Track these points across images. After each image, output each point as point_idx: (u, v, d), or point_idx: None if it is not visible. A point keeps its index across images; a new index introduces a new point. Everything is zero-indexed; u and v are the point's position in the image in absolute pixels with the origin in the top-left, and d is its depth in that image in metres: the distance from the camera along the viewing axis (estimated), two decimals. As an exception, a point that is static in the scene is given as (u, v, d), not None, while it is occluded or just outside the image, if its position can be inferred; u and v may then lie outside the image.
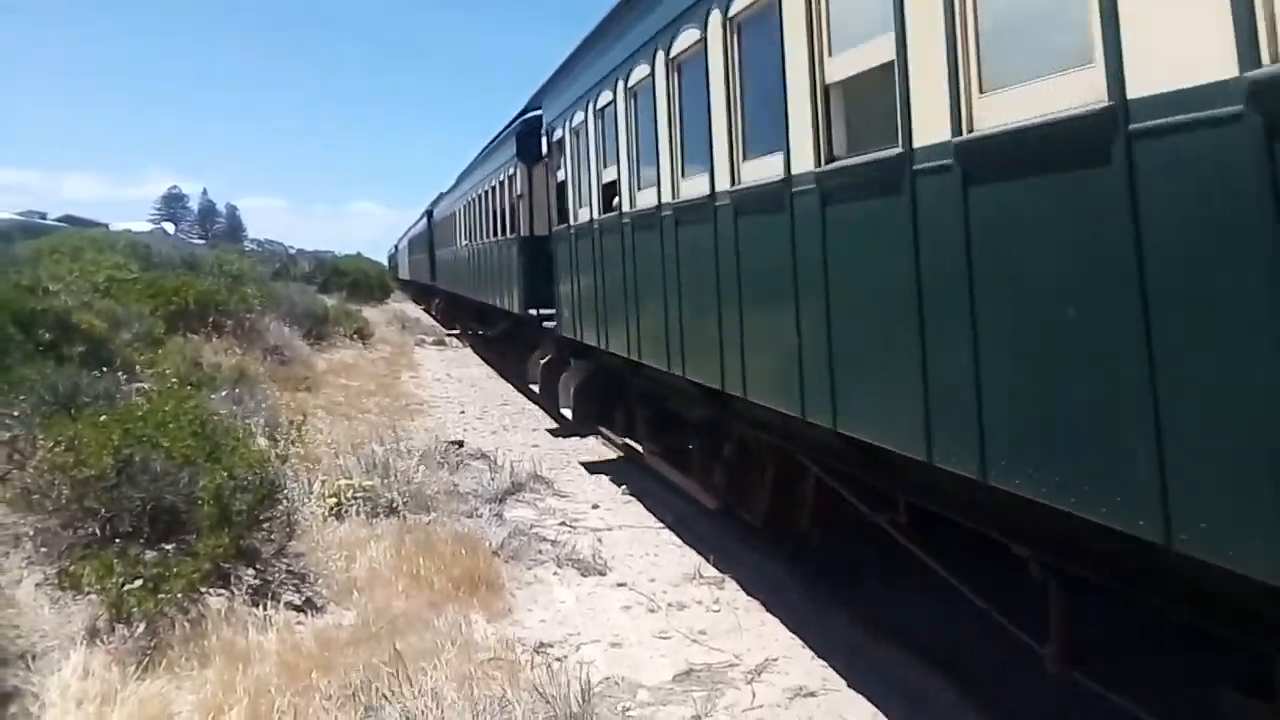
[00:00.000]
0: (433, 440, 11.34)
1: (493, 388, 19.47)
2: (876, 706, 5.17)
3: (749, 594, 6.93)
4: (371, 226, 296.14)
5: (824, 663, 5.74)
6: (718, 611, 6.65)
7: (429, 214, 35.09)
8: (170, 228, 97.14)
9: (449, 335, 30.65)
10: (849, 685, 5.44)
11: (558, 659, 5.72)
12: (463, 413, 15.96)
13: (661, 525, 8.88)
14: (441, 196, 31.66)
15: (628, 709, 5.10)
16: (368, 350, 22.93)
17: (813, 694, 5.34)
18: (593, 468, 11.55)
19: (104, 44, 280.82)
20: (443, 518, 8.14)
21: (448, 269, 28.50)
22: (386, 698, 4.65)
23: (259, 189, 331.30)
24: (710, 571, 7.39)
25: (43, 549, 5.88)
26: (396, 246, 68.54)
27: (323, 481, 8.39)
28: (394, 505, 8.14)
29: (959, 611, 5.19)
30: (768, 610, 6.63)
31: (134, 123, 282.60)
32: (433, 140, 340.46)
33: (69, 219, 76.51)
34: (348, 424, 12.56)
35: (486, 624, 6.09)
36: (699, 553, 7.92)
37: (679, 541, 8.36)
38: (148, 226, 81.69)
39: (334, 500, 7.94)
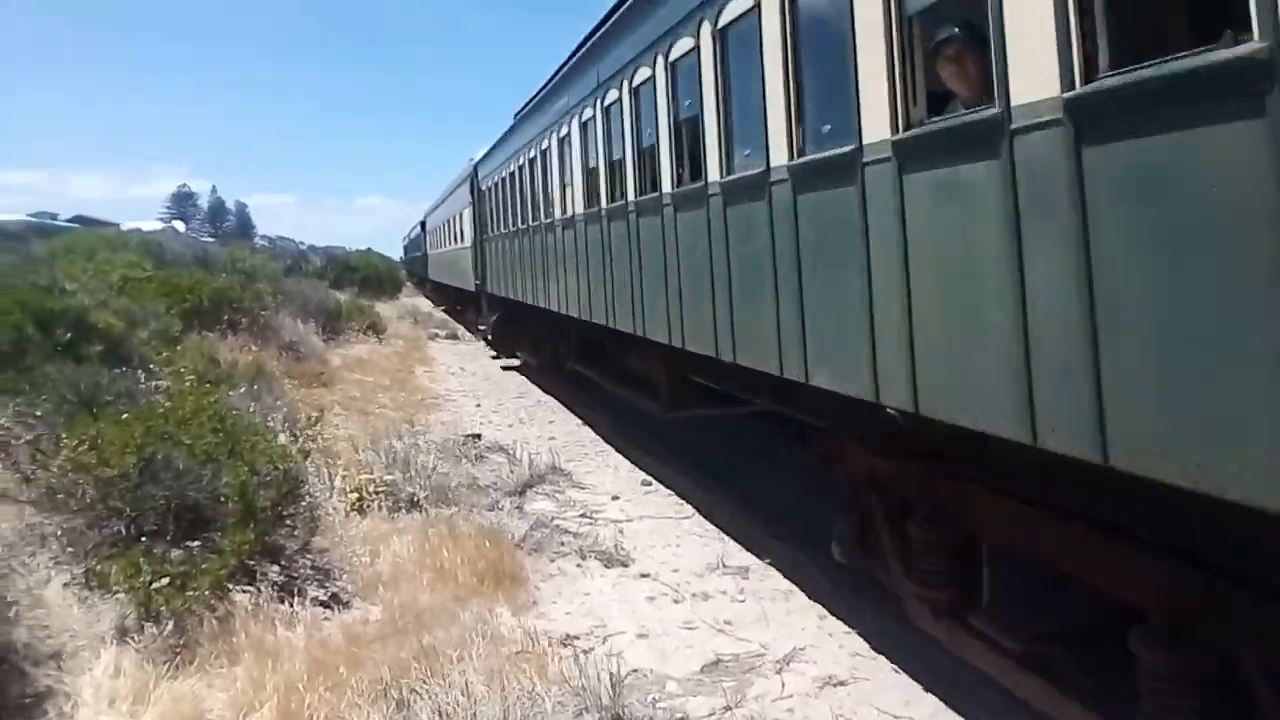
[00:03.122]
0: (451, 434, 11.35)
1: (507, 381, 19.46)
2: (909, 694, 5.14)
3: (774, 583, 6.91)
4: (379, 220, 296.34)
5: (853, 651, 5.71)
6: (743, 601, 6.62)
7: None
8: (181, 226, 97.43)
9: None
10: (879, 673, 5.41)
11: (585, 651, 5.71)
12: (478, 406, 15.95)
13: (681, 516, 8.85)
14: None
15: (658, 700, 5.08)
16: (381, 345, 22.94)
17: (843, 683, 5.31)
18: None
19: (107, 43, 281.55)
20: (464, 511, 8.14)
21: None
22: (417, 693, 4.64)
23: (267, 185, 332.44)
24: (733, 561, 7.37)
25: (69, 549, 5.89)
26: (424, 225, 46.00)
27: (343, 476, 8.39)
28: (415, 499, 8.15)
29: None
30: (793, 599, 6.61)
31: (140, 122, 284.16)
32: (438, 133, 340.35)
33: (80, 219, 76.95)
34: (365, 419, 12.57)
35: (512, 617, 6.07)
36: (722, 542, 7.90)
37: (700, 531, 8.33)
38: (158, 225, 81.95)
39: (356, 495, 7.95)
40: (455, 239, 28.74)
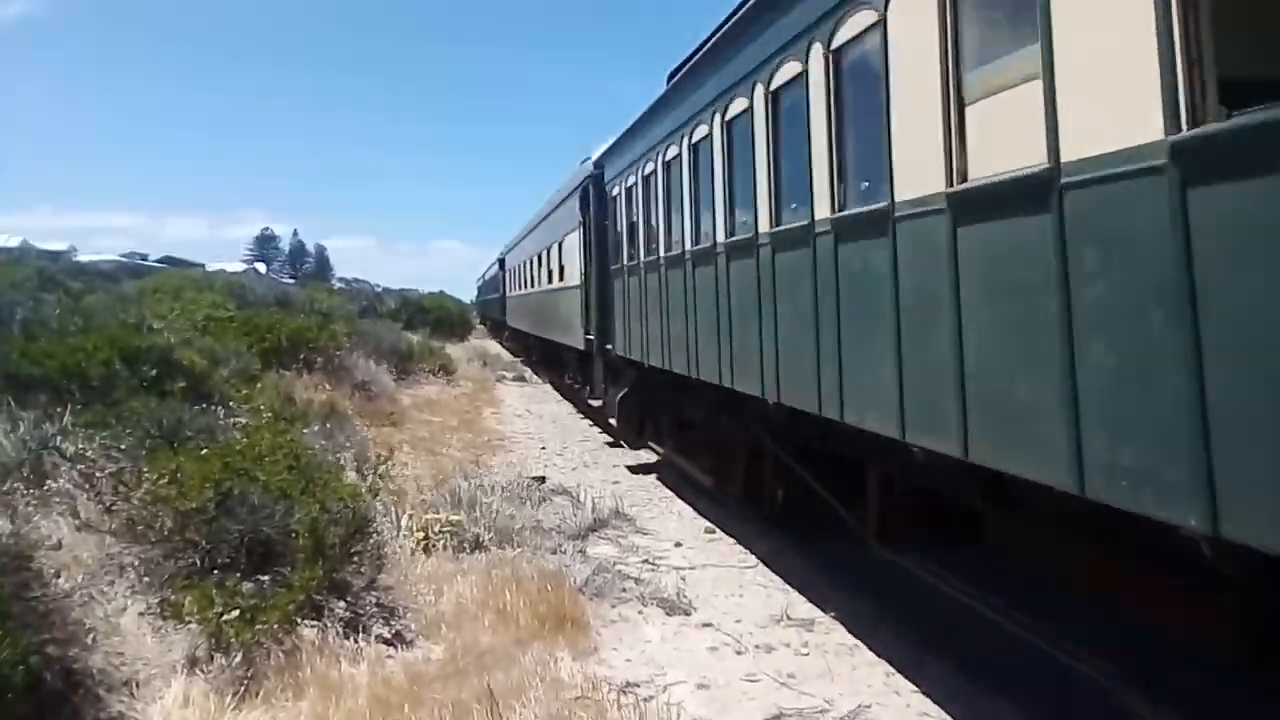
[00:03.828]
0: (515, 476, 11.43)
1: (573, 423, 19.58)
2: (977, 758, 4.96)
3: (839, 637, 6.77)
4: (453, 263, 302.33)
5: (921, 711, 5.55)
6: (807, 655, 6.49)
7: None
8: (262, 268, 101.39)
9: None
10: (947, 735, 5.24)
11: (644, 699, 5.64)
12: (544, 448, 16.06)
13: (745, 565, 8.75)
14: None
15: (718, 753, 4.99)
16: (450, 386, 23.32)
17: (909, 743, 5.16)
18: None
19: (203, 96, 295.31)
20: (527, 553, 8.17)
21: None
22: (476, 735, 4.64)
23: (346, 229, 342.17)
24: (798, 613, 7.24)
25: (146, 578, 6.05)
26: (503, 262, 39.83)
27: (410, 516, 8.50)
28: (480, 540, 8.21)
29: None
30: (859, 654, 6.46)
31: (229, 167, 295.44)
32: (511, 180, 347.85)
33: (168, 260, 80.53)
34: (432, 459, 12.74)
35: (573, 662, 6.04)
36: (785, 593, 7.78)
37: (764, 581, 8.22)
38: (241, 266, 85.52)
39: (422, 534, 8.04)
40: (550, 276, 22.10)
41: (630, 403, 13.68)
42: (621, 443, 14.97)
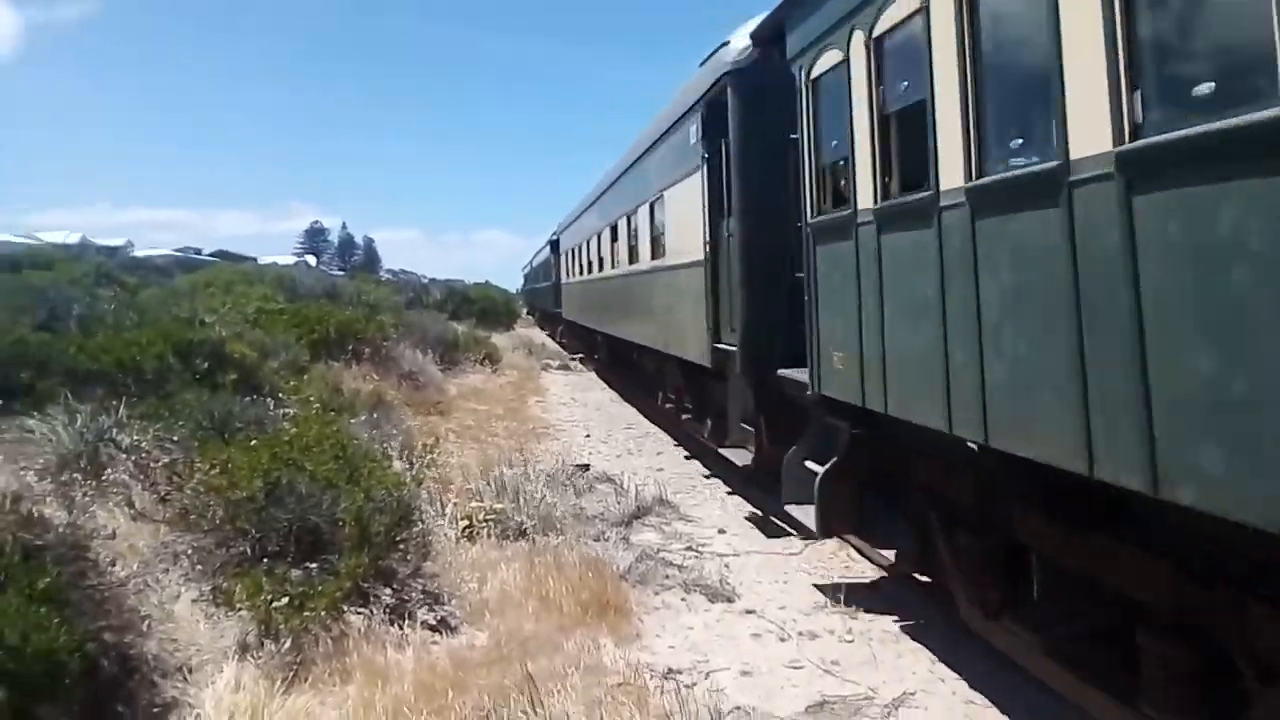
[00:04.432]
0: (559, 463, 11.50)
1: (617, 411, 19.62)
2: (1024, 747, 4.90)
3: (884, 625, 6.72)
4: (498, 254, 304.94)
5: (965, 699, 5.50)
6: (851, 642, 6.46)
7: None
8: (312, 260, 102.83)
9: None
10: (993, 723, 5.19)
11: (687, 686, 5.65)
12: (588, 436, 16.12)
13: (790, 551, 8.72)
14: None
15: (759, 740, 4.99)
16: (496, 375, 23.47)
17: (954, 731, 5.12)
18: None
19: (253, 93, 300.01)
20: (570, 541, 8.21)
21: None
22: (519, 720, 4.69)
23: (394, 221, 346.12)
24: (843, 600, 7.20)
25: (198, 566, 6.20)
26: (556, 244, 35.24)
27: (455, 504, 8.60)
28: (523, 528, 8.28)
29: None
30: (903, 642, 6.41)
31: (280, 163, 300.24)
32: (556, 169, 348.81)
33: (221, 253, 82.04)
34: (478, 447, 12.86)
35: (615, 648, 6.07)
36: (831, 580, 7.74)
37: (809, 568, 8.19)
38: (292, 259, 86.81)
39: (466, 523, 8.13)
40: (634, 253, 16.17)
41: (843, 487, 7.22)
42: (785, 526, 9.07)
